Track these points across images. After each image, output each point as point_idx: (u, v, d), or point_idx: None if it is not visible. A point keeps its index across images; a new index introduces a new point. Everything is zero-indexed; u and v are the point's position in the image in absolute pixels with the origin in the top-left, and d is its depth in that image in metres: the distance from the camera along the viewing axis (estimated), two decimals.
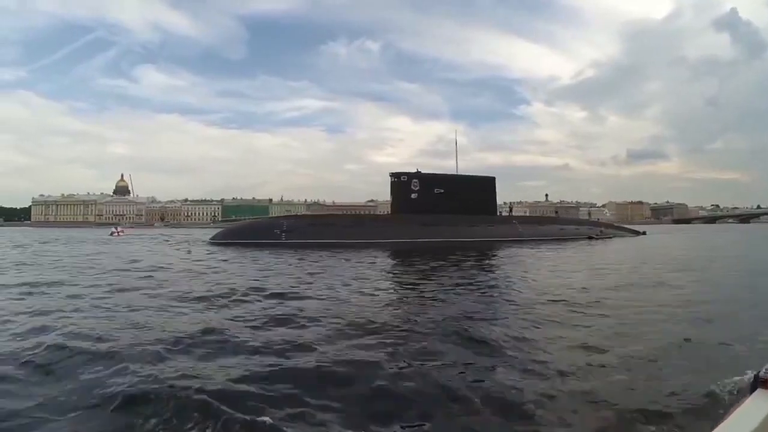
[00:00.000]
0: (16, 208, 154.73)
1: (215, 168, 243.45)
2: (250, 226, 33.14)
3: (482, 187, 33.14)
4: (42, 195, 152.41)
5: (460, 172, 35.45)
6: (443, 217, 29.56)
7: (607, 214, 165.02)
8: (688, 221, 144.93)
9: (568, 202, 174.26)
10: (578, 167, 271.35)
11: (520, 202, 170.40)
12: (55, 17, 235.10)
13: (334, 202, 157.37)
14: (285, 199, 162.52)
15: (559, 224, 37.39)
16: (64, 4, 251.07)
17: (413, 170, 32.08)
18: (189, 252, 21.93)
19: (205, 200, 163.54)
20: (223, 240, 28.97)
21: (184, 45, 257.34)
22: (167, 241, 32.70)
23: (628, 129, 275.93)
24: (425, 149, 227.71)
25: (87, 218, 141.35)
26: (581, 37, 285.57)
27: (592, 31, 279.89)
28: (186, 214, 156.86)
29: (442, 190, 31.09)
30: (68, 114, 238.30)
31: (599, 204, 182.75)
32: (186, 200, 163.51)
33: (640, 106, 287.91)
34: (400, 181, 31.39)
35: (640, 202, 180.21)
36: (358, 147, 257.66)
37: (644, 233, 42.16)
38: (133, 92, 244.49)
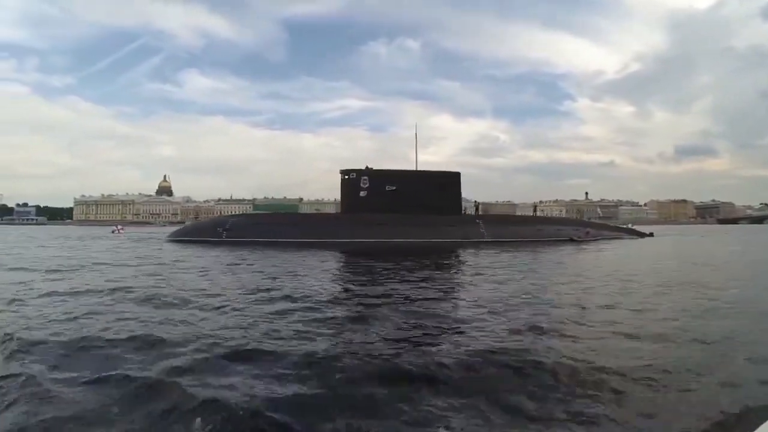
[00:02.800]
0: (62, 208, 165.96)
1: (257, 168, 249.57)
2: (199, 225, 33.18)
3: (442, 185, 30.77)
4: (83, 195, 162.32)
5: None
6: (392, 216, 27.72)
7: (649, 214, 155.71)
8: (734, 221, 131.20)
9: (609, 201, 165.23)
10: (624, 164, 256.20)
11: (556, 201, 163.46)
12: (101, 27, 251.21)
13: None
14: (319, 198, 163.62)
15: (536, 224, 34.15)
16: (110, 14, 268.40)
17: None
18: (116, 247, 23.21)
19: (236, 199, 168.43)
20: (176, 238, 30.01)
21: (226, 49, 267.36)
22: (151, 238, 33.29)
23: (676, 124, 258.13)
24: (467, 147, 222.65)
25: (125, 217, 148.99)
26: (625, 29, 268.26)
27: (636, 21, 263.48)
28: (219, 213, 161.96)
29: (394, 188, 29.40)
30: (115, 118, 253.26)
31: (642, 203, 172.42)
32: (219, 200, 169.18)
33: (688, 100, 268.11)
34: (349, 179, 30.06)
35: (684, 201, 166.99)
36: (402, 145, 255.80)
37: (651, 235, 36.42)
38: (178, 96, 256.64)
